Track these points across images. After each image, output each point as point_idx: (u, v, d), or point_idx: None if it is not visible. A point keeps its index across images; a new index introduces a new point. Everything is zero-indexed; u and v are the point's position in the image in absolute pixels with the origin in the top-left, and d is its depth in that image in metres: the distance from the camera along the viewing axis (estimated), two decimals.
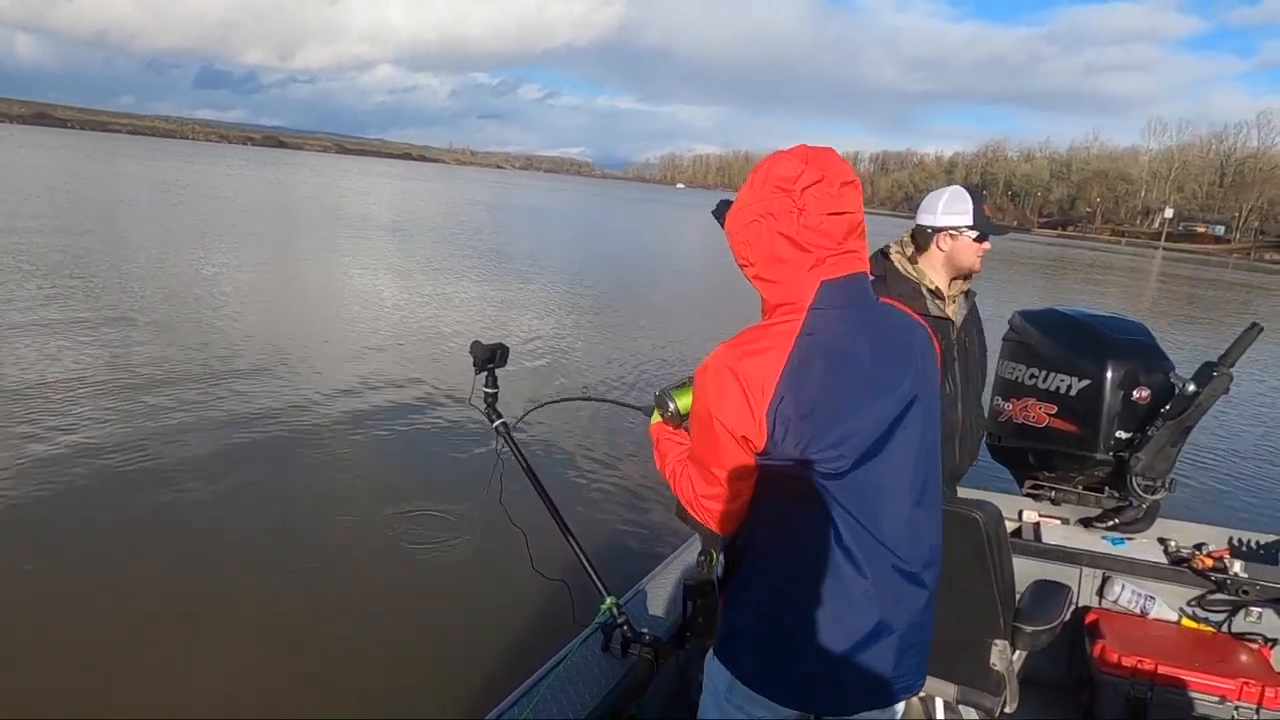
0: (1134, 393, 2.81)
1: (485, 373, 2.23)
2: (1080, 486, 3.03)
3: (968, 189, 2.45)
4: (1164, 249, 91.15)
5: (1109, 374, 2.83)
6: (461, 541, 4.61)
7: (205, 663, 3.41)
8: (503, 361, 2.23)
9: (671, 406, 1.56)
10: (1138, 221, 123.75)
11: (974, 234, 2.36)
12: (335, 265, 16.28)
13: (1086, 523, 3.02)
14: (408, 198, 48.88)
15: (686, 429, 1.51)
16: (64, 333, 8.39)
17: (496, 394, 2.26)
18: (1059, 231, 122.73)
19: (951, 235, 2.39)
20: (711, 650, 1.50)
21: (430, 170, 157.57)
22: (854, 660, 1.35)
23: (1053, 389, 2.93)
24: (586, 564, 2.12)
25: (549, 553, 2.35)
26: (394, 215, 32.11)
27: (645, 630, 2.05)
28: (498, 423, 2.24)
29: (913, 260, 2.46)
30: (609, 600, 2.08)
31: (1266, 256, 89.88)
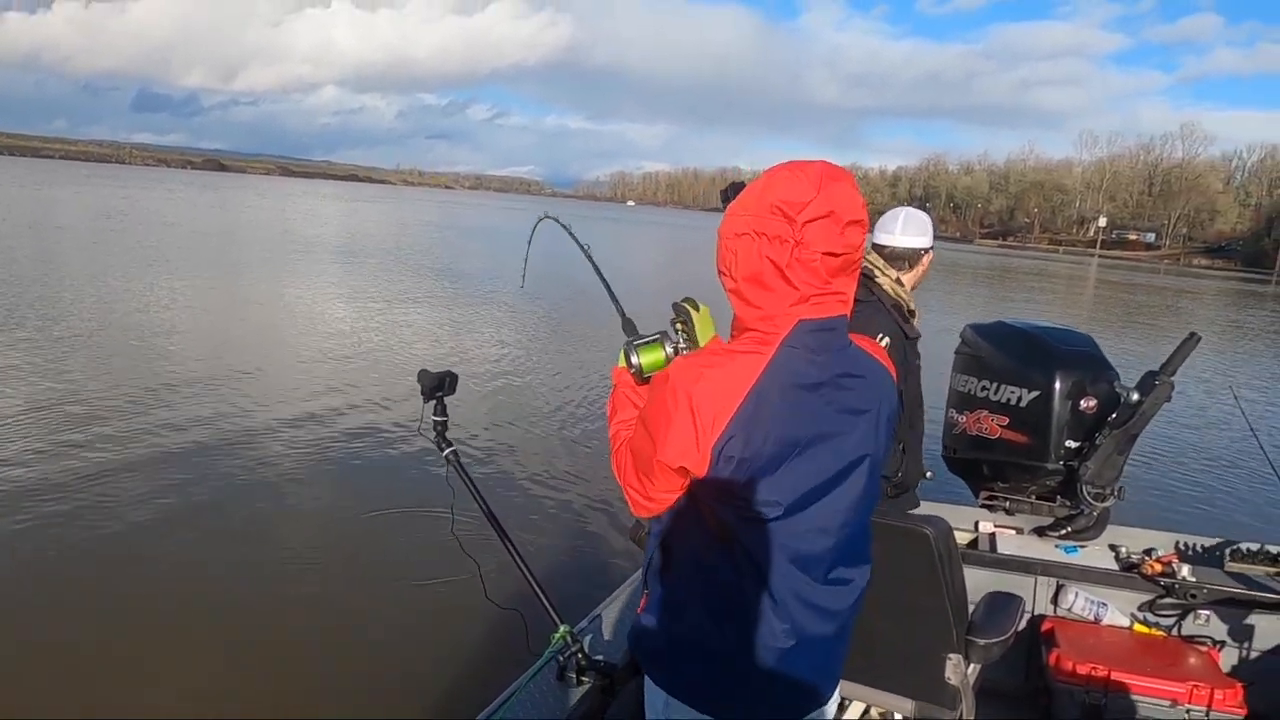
0: (1081, 402, 2.86)
1: (434, 401, 2.18)
2: (1033, 496, 3.07)
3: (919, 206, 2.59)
4: (1099, 256, 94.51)
5: (1057, 385, 2.88)
6: (412, 572, 4.48)
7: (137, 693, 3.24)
8: (451, 389, 2.18)
9: (635, 361, 1.48)
10: (1074, 230, 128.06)
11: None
12: (283, 291, 15.91)
13: (1040, 532, 3.05)
14: (355, 219, 48.19)
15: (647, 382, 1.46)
16: (6, 362, 8.05)
17: (446, 422, 2.20)
18: (1000, 242, 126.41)
19: (929, 254, 2.53)
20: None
21: (377, 191, 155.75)
22: (778, 673, 1.36)
23: (1004, 401, 2.96)
24: (539, 593, 2.08)
25: (502, 582, 2.31)
26: (341, 238, 31.63)
27: (600, 657, 2.04)
28: (447, 451, 2.19)
29: (899, 283, 2.50)
30: (562, 629, 2.05)
31: (1194, 261, 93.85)
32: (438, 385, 2.15)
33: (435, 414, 2.19)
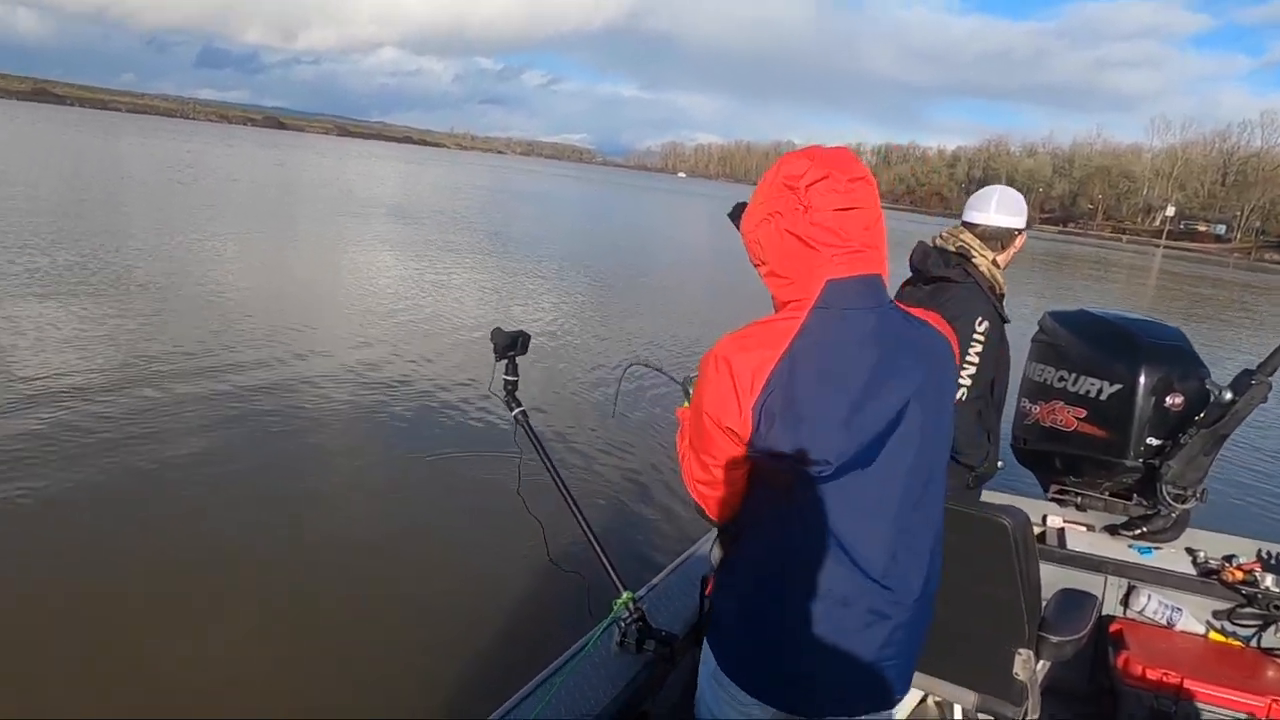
0: (1167, 399, 2.73)
1: (506, 360, 2.16)
2: (1107, 493, 2.95)
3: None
4: (1165, 247, 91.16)
5: (1142, 379, 2.75)
6: (476, 530, 4.54)
7: (208, 644, 3.36)
8: (524, 349, 2.16)
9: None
10: (1139, 219, 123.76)
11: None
12: (343, 247, 16.17)
13: (1113, 530, 2.95)
14: (410, 181, 48.66)
15: None
16: (77, 311, 8.31)
17: (516, 382, 2.19)
18: (1060, 228, 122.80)
19: (1022, 235, 2.49)
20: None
21: (431, 154, 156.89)
22: (826, 664, 1.34)
23: (1082, 392, 2.85)
24: (603, 557, 2.07)
25: (565, 545, 2.30)
26: (398, 198, 31.98)
27: (661, 627, 2.01)
28: (516, 411, 2.18)
29: (995, 264, 2.43)
30: (624, 595, 2.03)
31: (1267, 257, 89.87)
32: (510, 344, 2.13)
33: (506, 373, 2.18)
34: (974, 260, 2.41)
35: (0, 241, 11.53)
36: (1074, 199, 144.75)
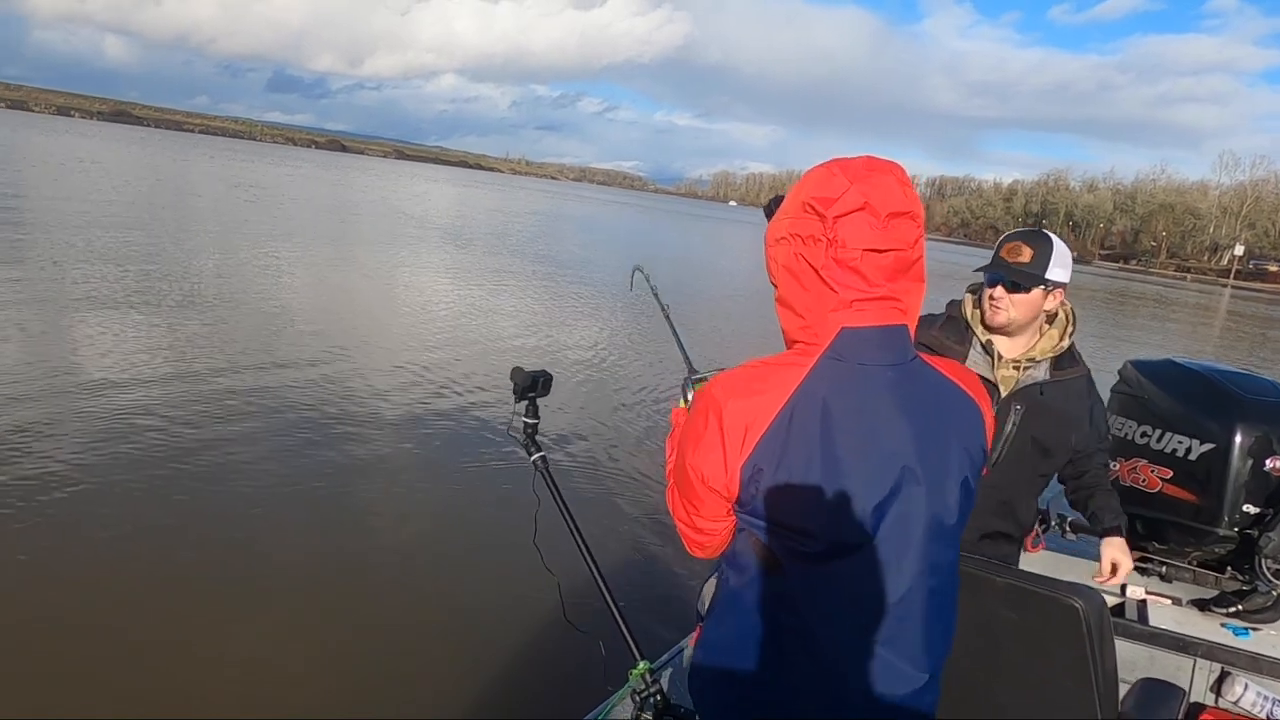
0: (1267, 462, 2.44)
1: (526, 401, 1.98)
2: (1196, 563, 2.65)
3: (1026, 229, 2.17)
4: (1232, 286, 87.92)
5: (1238, 438, 2.46)
6: (490, 580, 4.26)
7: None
8: (545, 390, 1.98)
9: (691, 398, 1.43)
10: (1205, 258, 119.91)
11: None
12: (395, 269, 16.32)
13: (1202, 605, 2.63)
14: (466, 205, 49.41)
15: None
16: (143, 318, 8.60)
17: (537, 425, 2.01)
18: (1120, 264, 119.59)
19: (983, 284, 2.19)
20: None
21: (487, 178, 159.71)
22: None
23: (1169, 451, 2.56)
24: (621, 622, 1.88)
25: (583, 604, 2.11)
26: (453, 222, 32.42)
27: (680, 703, 1.83)
28: (535, 457, 2.00)
29: (978, 305, 2.19)
30: (641, 665, 1.84)
31: None
32: (530, 385, 1.96)
33: (526, 415, 2.00)
34: (965, 296, 2.28)
35: (87, 255, 11.91)
36: (1136, 236, 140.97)
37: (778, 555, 1.15)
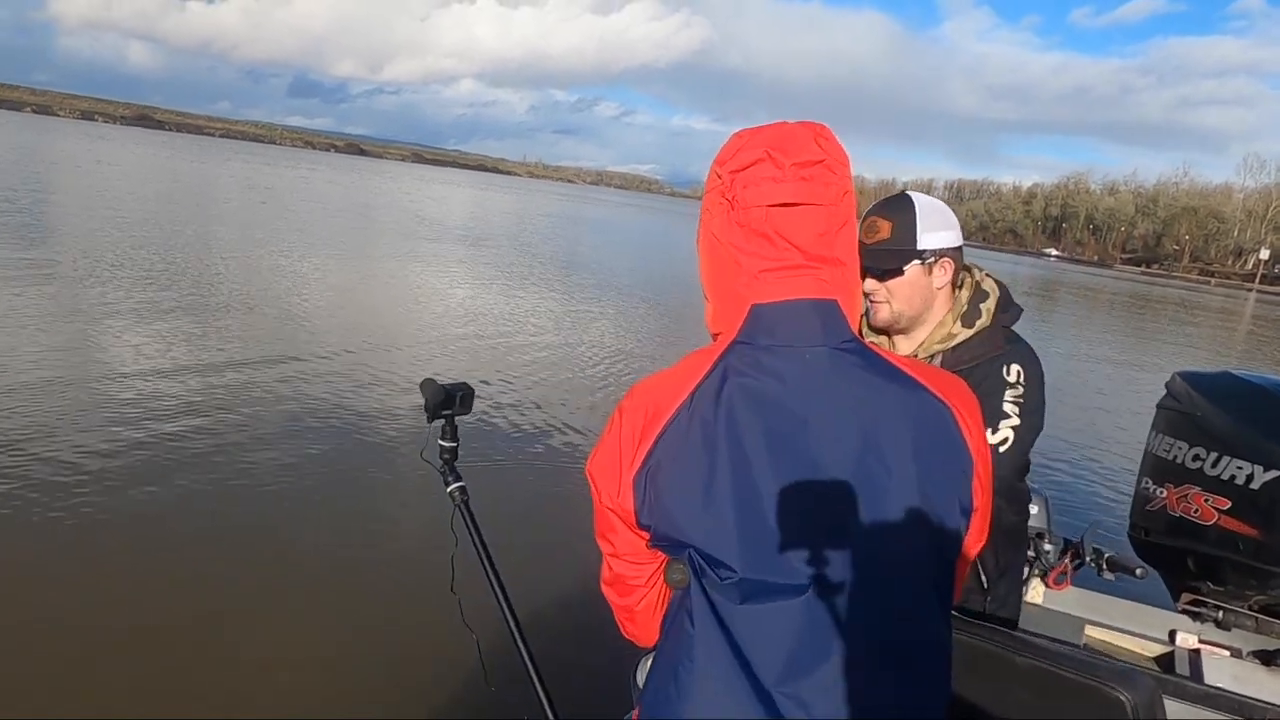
0: None
1: (441, 420, 1.62)
2: (1259, 609, 2.25)
3: (883, 200, 1.70)
4: (1258, 290, 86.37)
5: None
6: (399, 630, 3.44)
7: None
8: (465, 407, 1.63)
9: None
10: (1229, 262, 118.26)
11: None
12: (409, 272, 16.05)
13: (1267, 660, 2.23)
14: (484, 208, 49.29)
15: None
16: (165, 318, 8.46)
17: (456, 449, 1.66)
18: (1142, 269, 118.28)
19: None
20: None
21: (504, 181, 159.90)
22: None
23: (1226, 478, 2.16)
24: (544, 699, 1.51)
25: (505, 667, 1.73)
26: (470, 224, 32.25)
27: None
28: (453, 487, 1.65)
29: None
30: None
31: None
32: (445, 401, 1.60)
33: (443, 437, 1.64)
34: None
35: (108, 252, 11.73)
36: (1158, 239, 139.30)
37: (706, 593, 0.91)
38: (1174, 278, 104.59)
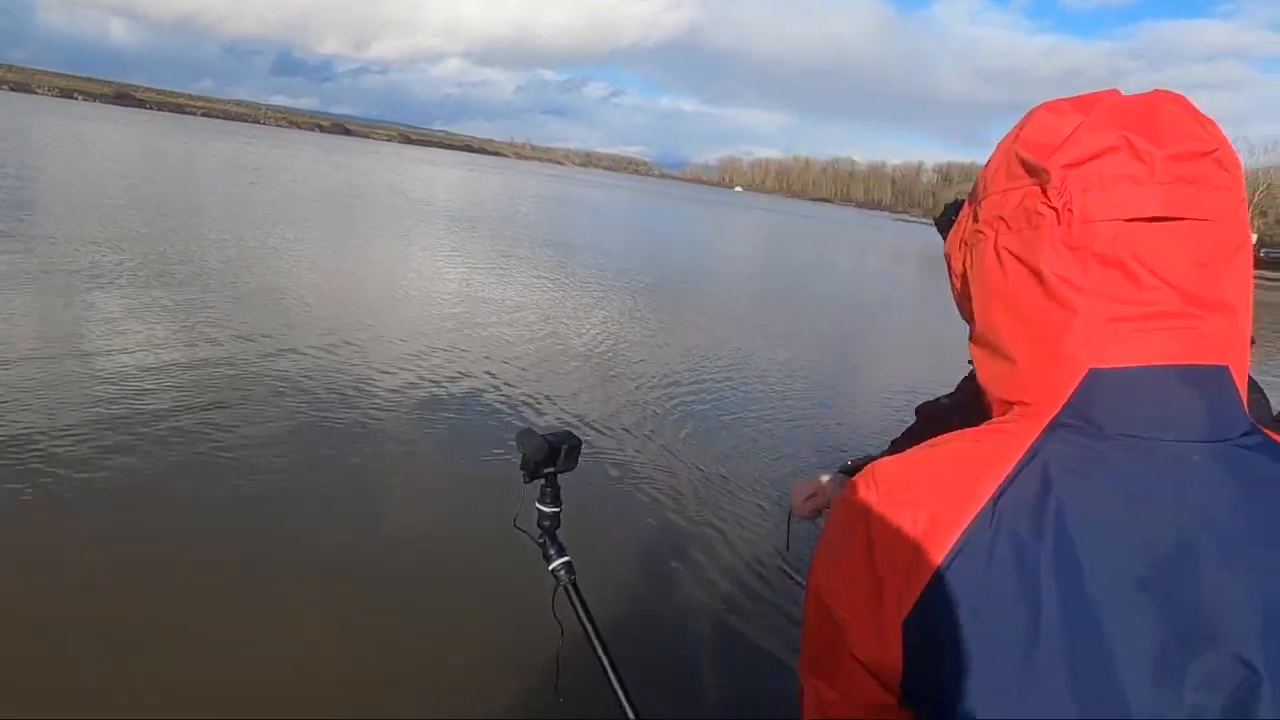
0: None
1: (541, 481, 1.33)
2: None
3: None
4: None
5: None
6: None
7: None
8: (571, 462, 1.34)
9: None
10: None
11: None
12: (397, 255, 15.67)
13: None
14: (473, 189, 48.62)
15: None
16: (145, 300, 8.08)
17: (558, 516, 1.36)
18: None
19: None
20: None
21: (493, 163, 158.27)
22: None
23: None
24: None
25: None
26: (459, 206, 31.70)
27: None
28: (557, 564, 1.35)
29: None
30: None
31: None
32: (548, 456, 1.30)
33: (542, 500, 1.35)
34: None
35: (89, 232, 11.30)
36: None
37: None
38: None
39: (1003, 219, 0.67)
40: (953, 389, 1.73)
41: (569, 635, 1.30)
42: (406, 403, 6.15)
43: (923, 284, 26.36)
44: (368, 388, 6.34)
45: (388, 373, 6.85)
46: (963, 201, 0.80)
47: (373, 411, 5.82)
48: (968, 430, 0.69)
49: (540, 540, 1.34)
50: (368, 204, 26.36)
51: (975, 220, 0.71)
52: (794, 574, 2.91)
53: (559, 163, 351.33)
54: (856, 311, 17.05)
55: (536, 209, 36.73)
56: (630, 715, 1.23)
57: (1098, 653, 0.57)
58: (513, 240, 20.63)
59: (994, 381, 0.71)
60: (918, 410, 1.76)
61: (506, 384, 7.01)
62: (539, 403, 6.65)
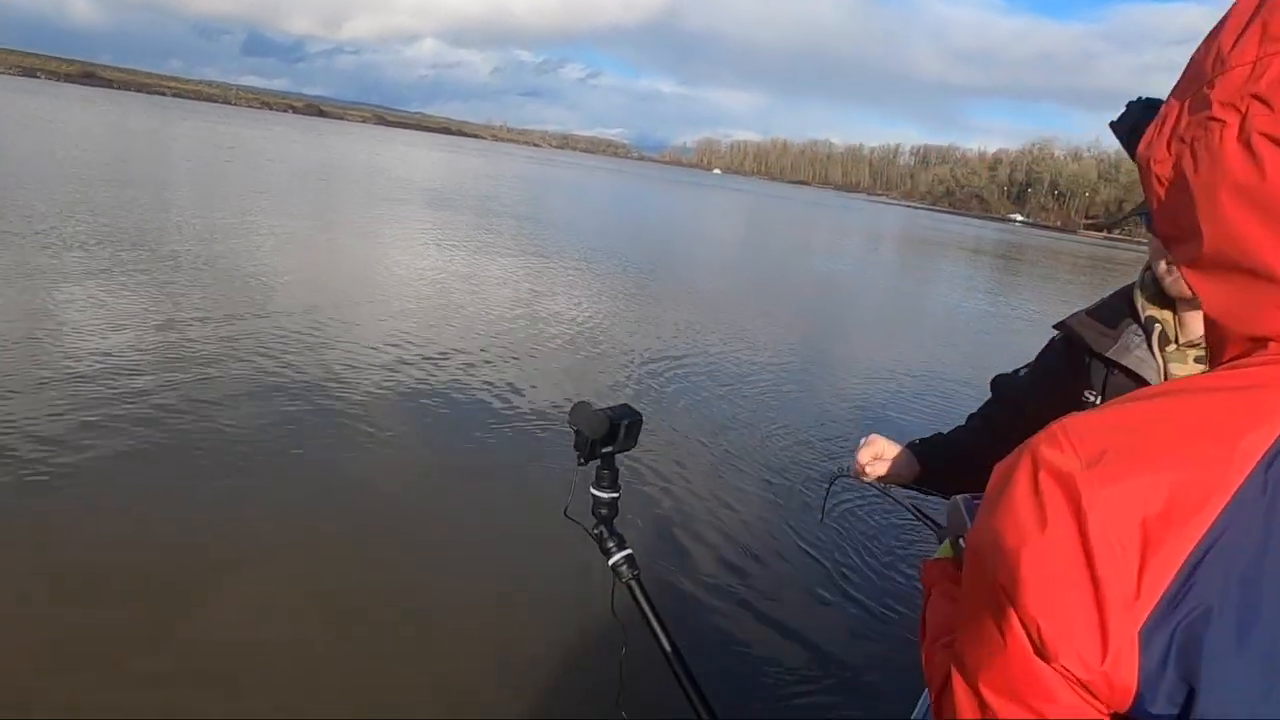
0: None
1: (598, 461, 1.15)
2: None
3: None
4: None
5: None
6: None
7: None
8: (631, 440, 1.16)
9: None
10: None
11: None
12: (378, 237, 15.35)
13: None
14: (459, 170, 48.00)
15: None
16: (121, 279, 7.80)
17: (616, 503, 1.18)
18: (1104, 234, 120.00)
19: None
20: None
21: (471, 144, 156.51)
22: None
23: None
24: None
25: None
26: (439, 188, 31.25)
27: None
28: (618, 557, 1.17)
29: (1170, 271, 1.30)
30: None
31: None
32: (607, 434, 1.13)
33: (598, 484, 1.17)
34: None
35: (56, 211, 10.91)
36: (1120, 205, 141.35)
37: None
38: (1137, 242, 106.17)
39: (1258, 97, 0.51)
40: (1020, 366, 1.56)
41: (634, 629, 1.13)
42: (393, 383, 5.93)
43: (903, 263, 26.41)
44: (349, 372, 6.09)
45: (374, 349, 6.62)
46: (1154, 99, 0.64)
47: (356, 398, 5.59)
48: (1199, 376, 0.55)
49: (596, 531, 1.16)
50: (346, 183, 25.92)
51: (1201, 109, 0.55)
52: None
53: (536, 145, 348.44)
54: (840, 289, 16.96)
55: (517, 189, 36.33)
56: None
57: None
58: (495, 218, 20.33)
59: (1237, 312, 0.55)
60: (993, 384, 1.60)
61: (487, 363, 6.80)
62: (532, 382, 6.45)
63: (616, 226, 24.70)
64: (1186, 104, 0.57)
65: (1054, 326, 1.46)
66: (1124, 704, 0.50)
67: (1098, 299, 1.43)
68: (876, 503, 4.35)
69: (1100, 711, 0.53)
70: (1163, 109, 0.60)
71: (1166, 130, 0.58)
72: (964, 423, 1.59)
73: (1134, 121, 0.70)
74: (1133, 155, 0.65)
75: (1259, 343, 0.54)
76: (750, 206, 58.48)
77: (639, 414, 1.15)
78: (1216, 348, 0.58)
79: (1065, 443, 0.53)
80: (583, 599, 3.05)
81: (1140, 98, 0.73)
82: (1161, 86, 0.60)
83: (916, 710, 1.48)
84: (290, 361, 6.05)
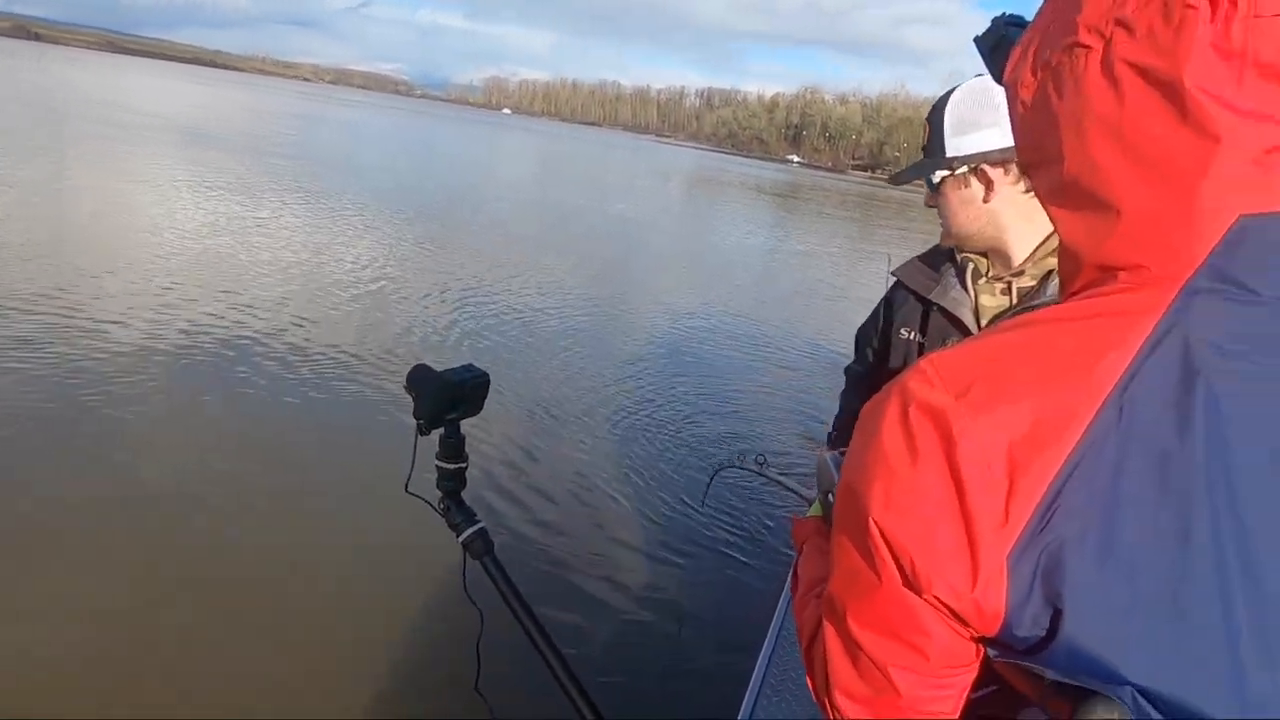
0: None
1: (442, 429, 1.05)
2: None
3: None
4: None
5: None
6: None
7: None
8: (476, 406, 1.06)
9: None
10: None
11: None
12: (152, 180, 13.44)
13: None
14: (221, 106, 42.97)
15: None
16: None
17: (464, 473, 1.08)
18: (870, 174, 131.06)
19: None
20: None
21: (232, 77, 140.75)
22: None
23: None
24: None
25: None
26: (206, 123, 27.84)
27: None
28: (469, 532, 1.08)
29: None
30: None
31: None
32: (450, 401, 1.02)
33: (442, 455, 1.06)
34: None
35: None
36: (881, 147, 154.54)
37: None
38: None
39: (1122, 23, 0.50)
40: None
41: (491, 611, 1.05)
42: (154, 354, 5.26)
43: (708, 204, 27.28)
44: (102, 343, 5.32)
45: (125, 324, 5.78)
46: (1016, 16, 0.63)
47: (115, 374, 4.92)
48: (1052, 308, 0.55)
49: (443, 506, 1.06)
50: (88, 120, 22.44)
51: (1068, 34, 0.53)
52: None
53: (307, 79, 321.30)
54: (646, 232, 17.24)
55: (296, 129, 33.28)
56: (577, 701, 1.01)
57: (1266, 591, 0.45)
58: (273, 159, 18.54)
59: (1089, 240, 0.55)
60: (856, 340, 1.65)
61: (297, 324, 6.24)
62: (349, 343, 6.00)
63: (418, 171, 23.41)
64: (1052, 28, 0.55)
65: (891, 273, 1.51)
66: (993, 629, 0.51)
67: (920, 248, 1.50)
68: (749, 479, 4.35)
69: (969, 640, 0.54)
70: (1028, 32, 0.59)
71: (1031, 54, 0.57)
72: (846, 387, 1.65)
73: (995, 40, 0.68)
74: (994, 74, 0.64)
75: (1108, 272, 0.54)
76: (549, 149, 57.61)
77: (485, 374, 1.05)
78: (1069, 277, 0.58)
79: (935, 377, 0.53)
80: (433, 579, 2.91)
81: (1004, 14, 0.72)
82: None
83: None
84: (50, 329, 5.18)
